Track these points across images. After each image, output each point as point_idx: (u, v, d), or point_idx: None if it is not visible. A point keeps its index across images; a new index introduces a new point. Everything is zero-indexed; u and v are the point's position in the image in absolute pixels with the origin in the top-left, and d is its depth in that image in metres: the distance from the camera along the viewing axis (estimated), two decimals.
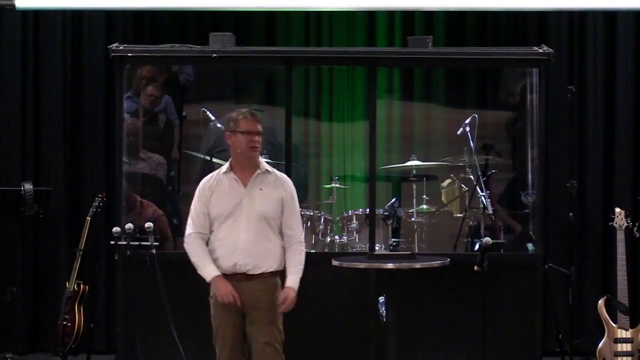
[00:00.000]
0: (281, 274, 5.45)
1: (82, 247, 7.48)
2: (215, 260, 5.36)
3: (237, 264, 5.32)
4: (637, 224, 6.98)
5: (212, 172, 5.52)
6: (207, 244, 5.44)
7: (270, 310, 5.38)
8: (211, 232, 5.43)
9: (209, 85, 8.34)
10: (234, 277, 5.33)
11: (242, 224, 5.34)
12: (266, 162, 7.25)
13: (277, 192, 5.44)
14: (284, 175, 5.60)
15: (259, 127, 5.42)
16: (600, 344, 6.76)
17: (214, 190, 5.43)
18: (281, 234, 5.45)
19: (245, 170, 5.43)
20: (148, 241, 6.59)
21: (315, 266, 6.15)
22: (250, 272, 5.33)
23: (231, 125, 5.44)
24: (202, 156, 7.71)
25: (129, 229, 6.62)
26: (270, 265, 5.39)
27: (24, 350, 7.95)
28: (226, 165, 5.50)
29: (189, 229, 5.45)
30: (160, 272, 6.50)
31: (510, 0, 7.80)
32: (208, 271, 5.35)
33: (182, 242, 7.41)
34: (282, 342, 5.43)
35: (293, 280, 5.41)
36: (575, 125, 7.86)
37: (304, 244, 5.55)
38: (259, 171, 5.44)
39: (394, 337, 6.13)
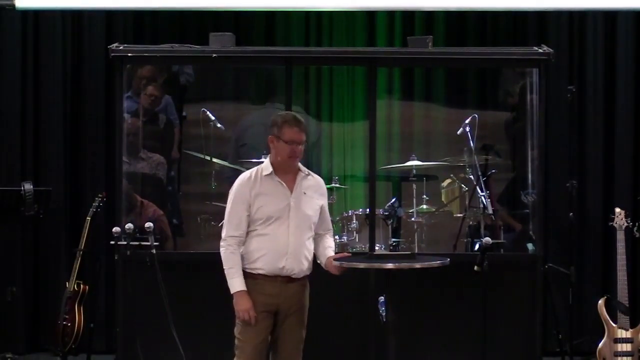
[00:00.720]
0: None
1: (82, 247, 7.48)
2: (257, 261, 5.29)
3: (285, 268, 5.28)
4: (637, 224, 6.98)
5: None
6: (243, 243, 5.35)
7: (304, 312, 5.43)
8: (252, 232, 5.33)
9: (209, 85, 8.34)
10: (276, 279, 5.30)
11: (291, 227, 5.29)
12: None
13: (318, 195, 5.44)
14: (320, 178, 5.57)
15: (303, 137, 5.33)
16: (600, 344, 6.76)
17: (257, 191, 5.31)
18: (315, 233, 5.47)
19: (287, 173, 5.37)
20: (148, 241, 6.58)
21: (316, 266, 6.13)
22: (294, 276, 5.33)
23: (275, 131, 5.32)
24: (202, 156, 7.71)
25: (129, 229, 6.62)
26: (309, 269, 5.42)
27: (24, 350, 7.95)
28: (267, 167, 5.36)
29: (226, 232, 5.33)
30: (160, 272, 6.50)
31: (510, 0, 7.80)
32: (235, 283, 5.27)
33: (182, 242, 7.43)
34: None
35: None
36: (575, 125, 7.86)
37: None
38: (301, 174, 5.40)
39: (394, 337, 6.12)
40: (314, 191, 5.43)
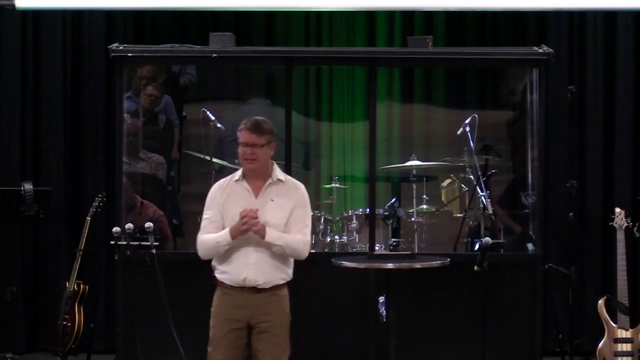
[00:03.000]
0: (289, 284, 5.34)
1: (82, 247, 7.48)
2: (225, 273, 5.23)
3: (247, 279, 5.17)
4: (637, 224, 6.99)
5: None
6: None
7: (279, 322, 5.24)
8: None
9: (209, 85, 8.34)
10: (243, 290, 5.19)
11: (253, 237, 5.16)
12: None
13: (290, 202, 5.26)
14: (299, 184, 5.38)
15: (255, 139, 5.17)
16: (600, 344, 6.76)
17: (225, 198, 5.27)
18: None
19: (257, 178, 5.27)
20: (148, 241, 6.57)
21: (315, 266, 6.14)
22: (260, 287, 5.19)
23: (238, 134, 5.29)
24: (202, 156, 7.71)
25: (129, 229, 6.61)
26: (282, 278, 5.25)
27: (23, 350, 7.95)
28: (239, 173, 5.32)
29: (201, 231, 5.31)
30: (160, 272, 6.49)
31: (510, 0, 7.80)
32: (222, 235, 5.17)
33: (182, 242, 7.42)
34: (289, 355, 5.31)
35: (273, 233, 5.15)
36: (575, 125, 7.86)
37: (307, 241, 5.29)
38: (270, 180, 5.26)
39: (394, 337, 6.13)
40: (285, 198, 5.25)
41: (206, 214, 5.32)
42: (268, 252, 5.18)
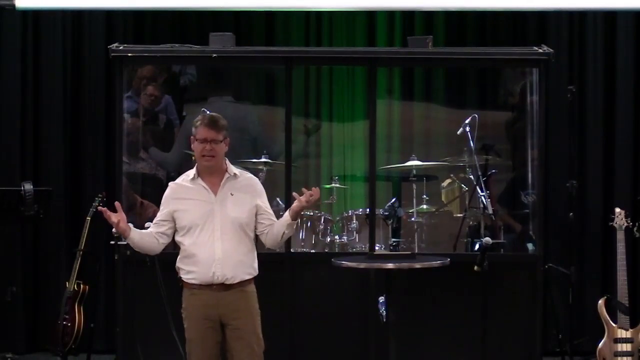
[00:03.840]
0: (256, 279, 5.34)
1: (82, 247, 7.48)
2: (191, 273, 5.25)
3: (216, 275, 5.18)
4: (637, 224, 6.98)
5: None
6: (177, 254, 5.36)
7: (250, 319, 5.25)
8: (180, 242, 5.32)
9: (209, 85, 8.33)
10: (211, 288, 5.21)
11: (217, 232, 5.18)
12: (266, 161, 7.36)
13: (249, 196, 5.28)
14: (252, 176, 5.42)
15: (215, 135, 5.17)
16: (600, 344, 6.76)
17: (179, 198, 5.28)
18: (258, 232, 5.31)
19: (212, 175, 5.26)
20: None
21: (315, 266, 6.15)
22: (228, 282, 5.20)
23: (193, 132, 5.27)
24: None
25: None
26: (249, 273, 5.26)
27: (23, 350, 7.96)
28: (193, 172, 5.31)
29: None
30: (160, 272, 6.49)
31: (510, 0, 7.80)
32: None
33: None
34: (263, 350, 5.31)
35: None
36: (575, 125, 7.86)
37: None
38: (227, 175, 5.27)
39: (394, 337, 6.13)
40: (243, 192, 5.27)
41: (157, 216, 5.39)
42: (232, 248, 5.20)
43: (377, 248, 7.07)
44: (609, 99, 8.10)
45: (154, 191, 7.66)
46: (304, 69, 8.19)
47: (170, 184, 5.42)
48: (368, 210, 7.16)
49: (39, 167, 8.13)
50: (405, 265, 6.04)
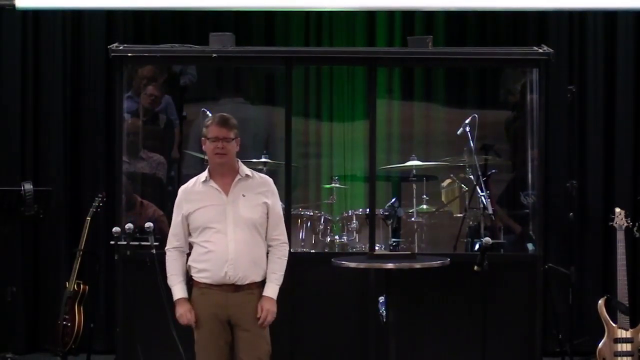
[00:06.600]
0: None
1: (82, 247, 7.48)
2: (203, 272, 5.25)
3: (228, 275, 5.19)
4: (637, 224, 6.99)
5: None
6: (189, 254, 5.34)
7: (258, 322, 5.26)
8: (193, 242, 5.32)
9: (209, 85, 8.34)
10: (222, 288, 5.22)
11: (229, 233, 5.20)
12: (266, 161, 7.36)
13: (261, 196, 5.30)
14: (266, 177, 5.45)
15: (226, 133, 5.23)
16: (600, 344, 6.77)
17: (192, 200, 5.30)
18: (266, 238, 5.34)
19: (224, 177, 5.30)
20: (148, 241, 6.58)
21: (315, 266, 6.15)
22: (238, 283, 5.22)
23: (204, 132, 5.32)
24: (202, 156, 7.70)
25: (129, 229, 6.62)
26: (259, 274, 5.28)
27: (23, 350, 7.96)
28: (205, 174, 5.35)
29: (168, 243, 5.39)
30: (160, 272, 6.48)
31: (510, 0, 7.80)
32: (175, 291, 5.31)
33: None
34: (270, 354, 5.33)
35: (273, 289, 5.27)
36: (575, 125, 7.87)
37: (287, 245, 5.42)
38: (239, 177, 5.30)
39: (394, 337, 6.13)
40: (255, 192, 5.30)
41: (174, 221, 5.39)
42: (246, 248, 5.21)
43: (377, 248, 7.07)
44: (609, 99, 8.11)
45: (154, 191, 7.68)
46: (304, 69, 8.19)
47: (181, 188, 5.44)
48: (368, 210, 7.15)
49: (39, 167, 8.13)
50: (405, 265, 6.04)
